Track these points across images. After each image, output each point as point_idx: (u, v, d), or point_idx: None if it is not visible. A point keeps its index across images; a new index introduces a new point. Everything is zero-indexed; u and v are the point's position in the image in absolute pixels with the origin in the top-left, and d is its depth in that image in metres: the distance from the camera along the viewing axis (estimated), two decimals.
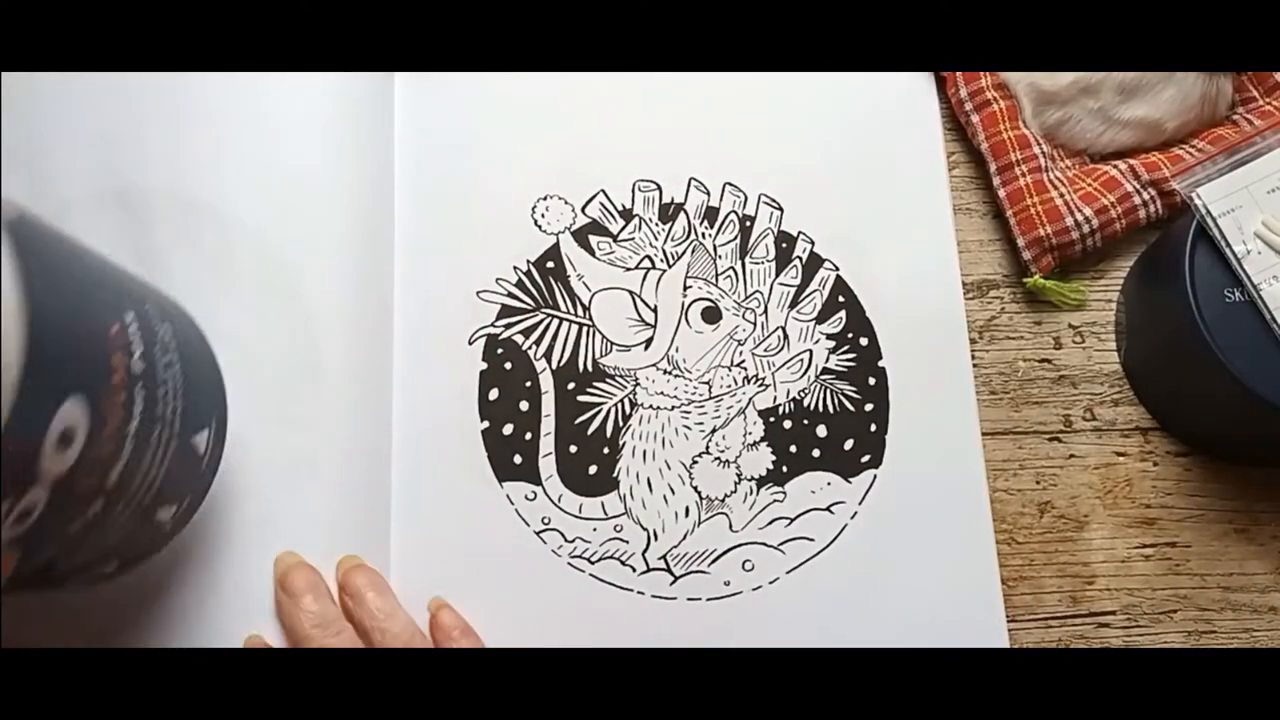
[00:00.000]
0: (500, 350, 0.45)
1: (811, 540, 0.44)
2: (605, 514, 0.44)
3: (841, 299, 0.47)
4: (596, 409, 0.45)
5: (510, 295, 0.46)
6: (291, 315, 0.45)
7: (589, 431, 0.45)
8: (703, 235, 0.47)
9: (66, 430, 0.27)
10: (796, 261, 0.47)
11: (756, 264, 0.47)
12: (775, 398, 0.46)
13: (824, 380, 0.46)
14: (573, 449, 0.45)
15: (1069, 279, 0.48)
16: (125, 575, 0.38)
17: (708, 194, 0.48)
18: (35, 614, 0.40)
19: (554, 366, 0.45)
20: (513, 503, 0.44)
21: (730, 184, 0.48)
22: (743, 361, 0.46)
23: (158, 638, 0.41)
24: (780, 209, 0.48)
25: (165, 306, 0.36)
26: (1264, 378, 0.40)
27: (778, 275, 0.47)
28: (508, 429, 0.45)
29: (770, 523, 0.44)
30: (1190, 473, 0.45)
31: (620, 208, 0.48)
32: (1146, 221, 0.47)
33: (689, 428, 0.45)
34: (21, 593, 0.35)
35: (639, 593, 0.43)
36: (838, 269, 0.47)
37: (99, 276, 0.31)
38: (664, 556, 0.44)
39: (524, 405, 0.45)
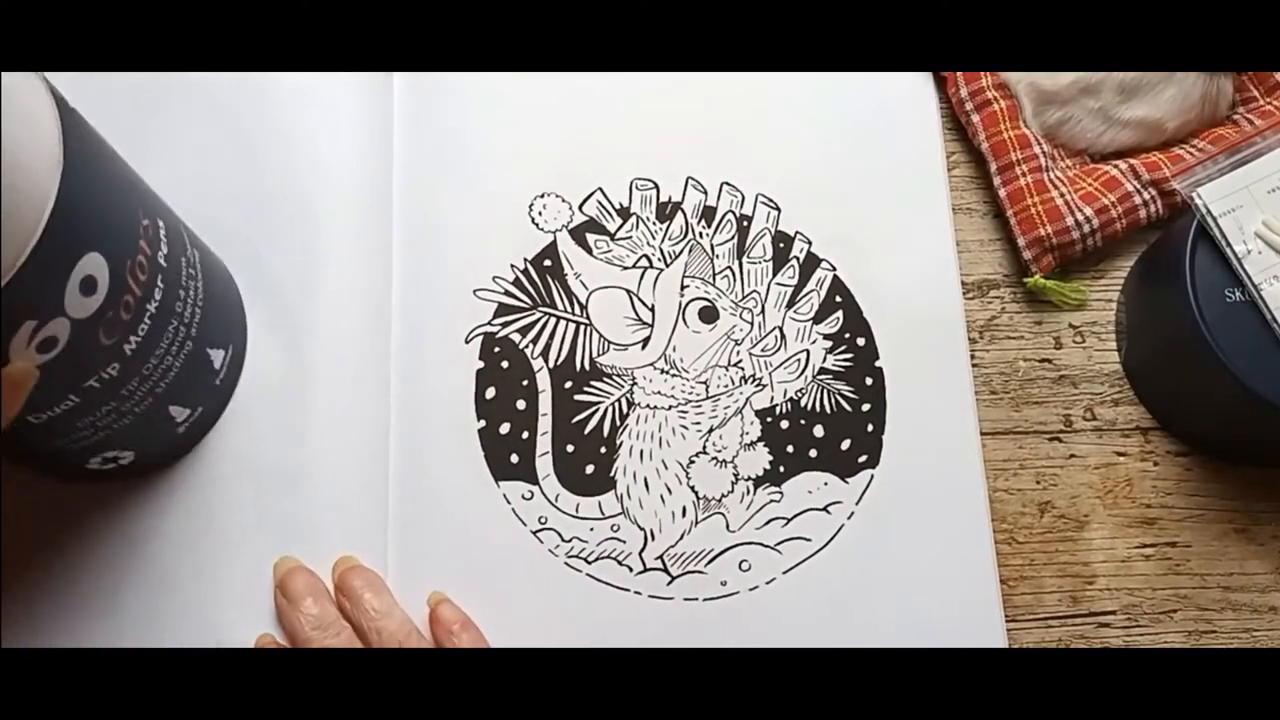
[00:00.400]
0: (497, 349, 0.45)
1: (808, 540, 0.44)
2: (602, 513, 0.44)
3: (839, 299, 0.47)
4: (593, 408, 0.45)
5: (507, 294, 0.46)
6: (286, 313, 0.45)
7: (586, 431, 0.45)
8: (700, 234, 0.47)
9: (88, 278, 0.31)
10: (794, 261, 0.47)
11: (754, 264, 0.47)
12: (772, 397, 0.45)
13: (821, 380, 0.46)
14: (570, 448, 0.44)
15: (1069, 279, 0.47)
16: (141, 475, 0.43)
17: (705, 193, 0.48)
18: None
19: (551, 365, 0.45)
20: (509, 502, 0.44)
21: (727, 183, 0.48)
22: (740, 361, 0.46)
23: (158, 638, 0.41)
24: (777, 209, 0.48)
25: (200, 245, 0.42)
26: (1264, 378, 0.39)
27: (775, 275, 0.47)
28: (504, 428, 0.44)
29: (767, 523, 0.44)
30: (1190, 473, 0.45)
31: (618, 206, 0.48)
32: (1147, 221, 0.47)
33: (686, 427, 0.45)
34: (53, 470, 0.41)
35: (636, 593, 0.43)
36: (835, 269, 0.47)
37: (134, 182, 0.37)
38: (661, 556, 0.43)
39: (521, 404, 0.45)
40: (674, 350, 0.46)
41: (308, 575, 0.41)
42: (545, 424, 0.45)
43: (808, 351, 0.46)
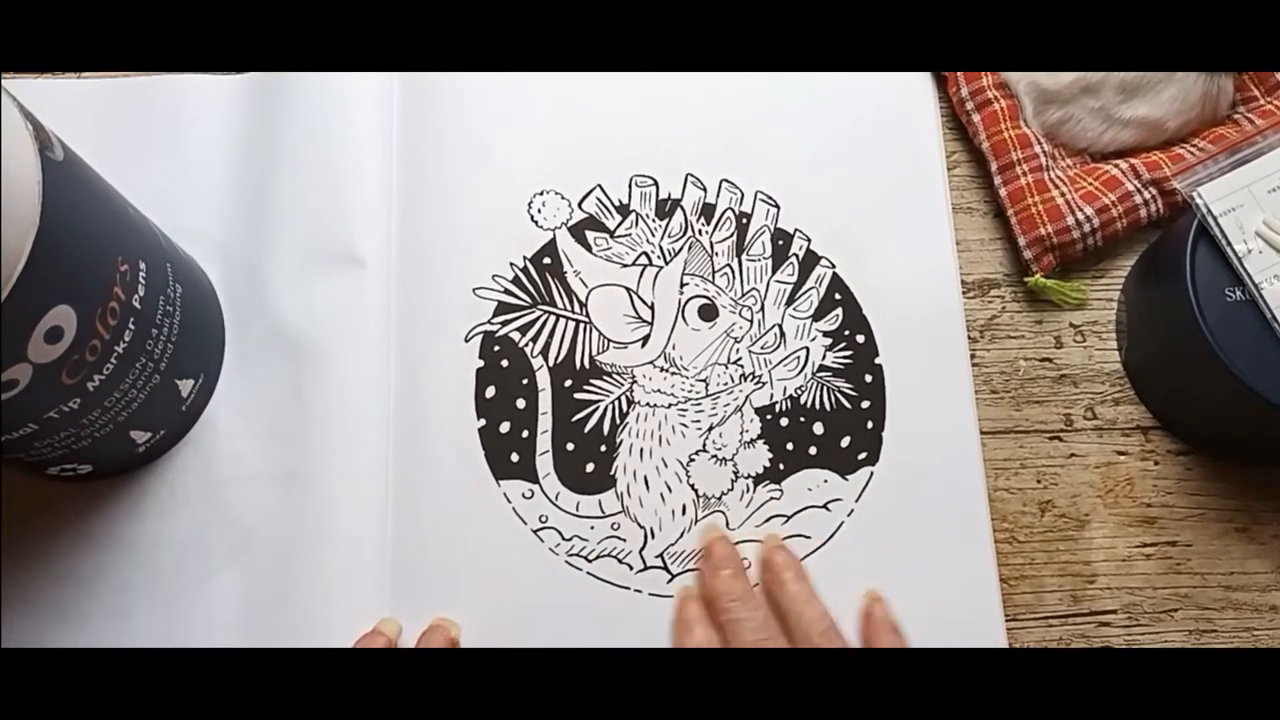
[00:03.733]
0: (497, 347, 0.45)
1: (808, 538, 0.44)
2: (602, 512, 0.44)
3: (838, 296, 0.47)
4: (593, 406, 0.45)
5: (506, 292, 0.46)
6: (282, 314, 0.45)
7: (586, 429, 0.45)
8: (700, 232, 0.47)
9: (55, 328, 0.33)
10: (793, 259, 0.47)
11: (753, 261, 0.47)
12: (772, 395, 0.45)
13: (821, 378, 0.46)
14: (570, 447, 0.44)
15: (1070, 278, 0.47)
16: (100, 481, 0.43)
17: (704, 190, 0.48)
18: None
19: (551, 364, 0.45)
20: (510, 501, 0.44)
21: (727, 180, 0.48)
22: (739, 359, 0.46)
23: (131, 639, 0.42)
24: (777, 206, 0.48)
25: (192, 278, 0.43)
26: (1265, 377, 0.39)
27: (774, 273, 0.47)
28: (504, 427, 0.44)
29: (767, 520, 0.44)
30: (1191, 472, 0.45)
31: (617, 203, 0.48)
32: (1147, 221, 0.47)
33: (686, 425, 0.45)
34: (18, 471, 0.42)
35: (636, 591, 0.43)
36: (834, 266, 0.47)
37: (121, 221, 0.37)
38: (661, 554, 0.43)
39: (521, 403, 0.45)
40: (674, 348, 0.46)
41: (727, 547, 0.42)
42: (545, 423, 0.45)
43: (807, 349, 0.46)
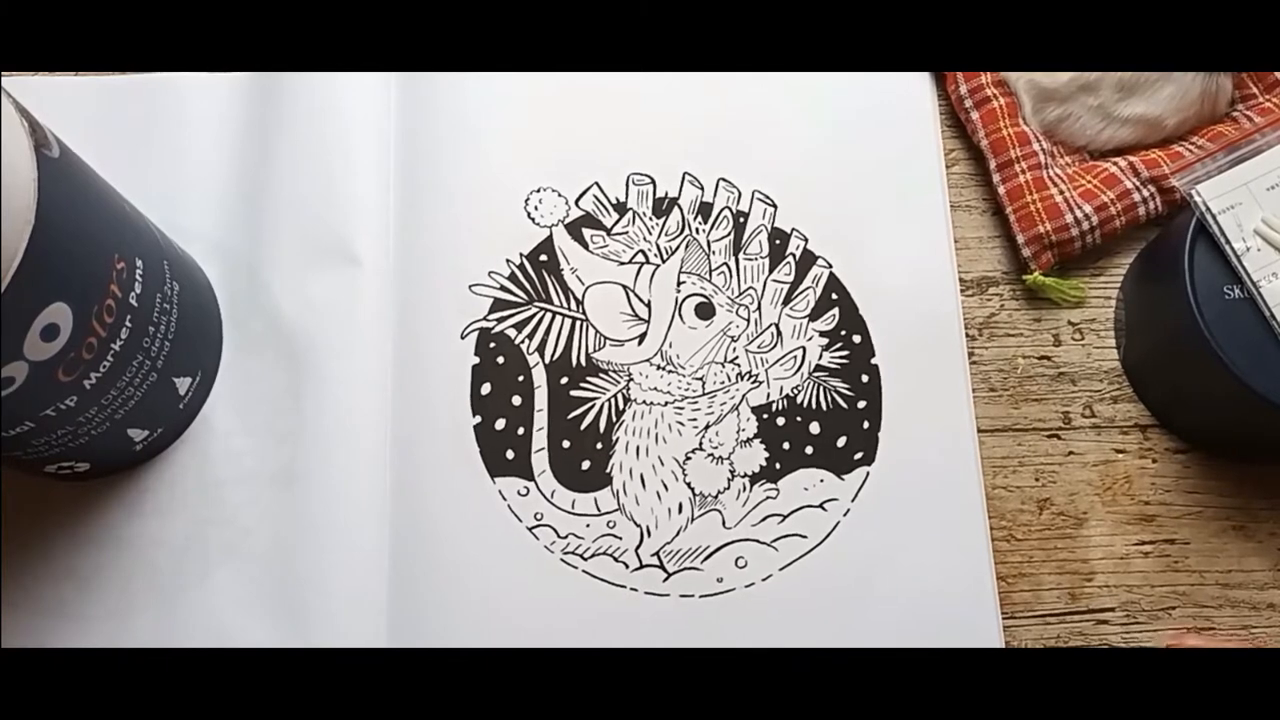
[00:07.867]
0: (493, 344, 0.45)
1: (804, 537, 0.44)
2: (598, 510, 0.44)
3: (834, 296, 0.47)
4: (589, 404, 0.45)
5: (503, 289, 0.46)
6: (278, 312, 0.45)
7: (582, 427, 0.45)
8: (696, 230, 0.47)
9: (51, 325, 0.33)
10: (790, 258, 0.47)
11: (750, 260, 0.47)
12: (768, 394, 0.45)
13: (817, 377, 0.46)
14: (566, 444, 0.44)
15: (1068, 276, 0.47)
16: (96, 479, 0.43)
17: (701, 189, 0.48)
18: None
19: (547, 361, 0.45)
20: (505, 498, 0.44)
21: (724, 179, 0.48)
22: (736, 358, 0.46)
23: (127, 638, 0.42)
24: (774, 205, 0.48)
25: (189, 276, 0.43)
26: (1263, 375, 0.39)
27: (771, 272, 0.47)
28: (500, 424, 0.44)
29: (763, 519, 0.44)
30: (1189, 470, 0.45)
31: (614, 201, 0.48)
32: (1146, 219, 0.47)
33: (682, 424, 0.45)
34: (15, 469, 0.42)
35: (632, 589, 0.43)
36: (831, 266, 0.47)
37: (117, 219, 0.37)
38: (657, 553, 0.43)
39: (516, 400, 0.45)
40: (670, 346, 0.46)
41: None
42: (541, 420, 0.45)
43: (804, 348, 0.46)
